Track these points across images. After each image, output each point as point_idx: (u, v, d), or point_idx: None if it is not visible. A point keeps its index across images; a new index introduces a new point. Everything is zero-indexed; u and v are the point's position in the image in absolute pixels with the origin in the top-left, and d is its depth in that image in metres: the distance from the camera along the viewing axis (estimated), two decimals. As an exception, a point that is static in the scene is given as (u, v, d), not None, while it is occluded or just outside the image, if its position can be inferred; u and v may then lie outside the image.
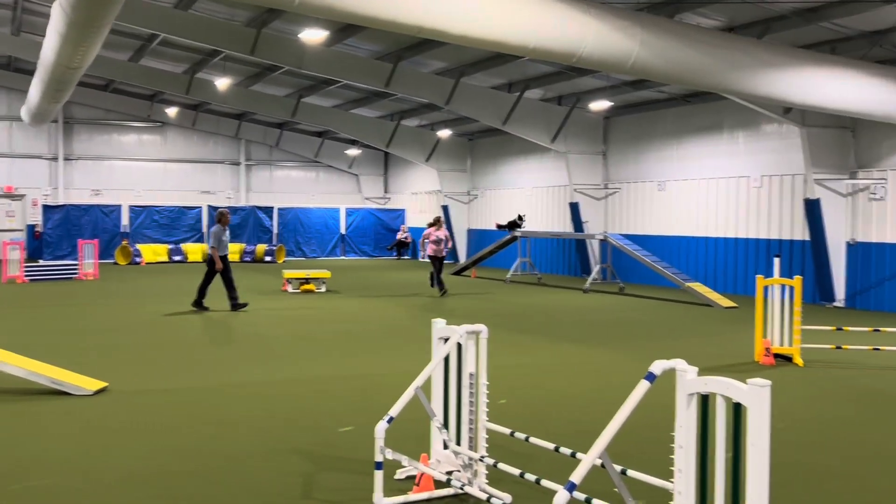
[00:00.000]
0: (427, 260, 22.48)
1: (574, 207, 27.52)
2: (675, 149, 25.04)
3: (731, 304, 19.48)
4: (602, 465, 4.60)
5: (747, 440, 4.28)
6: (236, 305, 17.70)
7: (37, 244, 34.11)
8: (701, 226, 24.02)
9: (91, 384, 9.57)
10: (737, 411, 4.32)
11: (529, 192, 31.81)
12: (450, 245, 22.73)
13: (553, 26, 14.18)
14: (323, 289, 22.24)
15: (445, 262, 22.51)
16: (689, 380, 4.48)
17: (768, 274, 12.69)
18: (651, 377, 4.48)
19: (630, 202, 26.77)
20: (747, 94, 17.08)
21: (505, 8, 13.71)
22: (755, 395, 4.24)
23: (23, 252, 26.35)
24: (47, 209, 35.21)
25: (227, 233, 18.34)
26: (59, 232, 34.70)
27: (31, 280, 25.05)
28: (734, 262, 22.79)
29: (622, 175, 27.07)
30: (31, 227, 35.27)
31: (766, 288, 12.15)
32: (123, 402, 9.06)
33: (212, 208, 38.02)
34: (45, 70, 21.34)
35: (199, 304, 17.80)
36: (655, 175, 25.73)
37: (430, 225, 22.16)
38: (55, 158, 37.54)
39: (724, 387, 4.36)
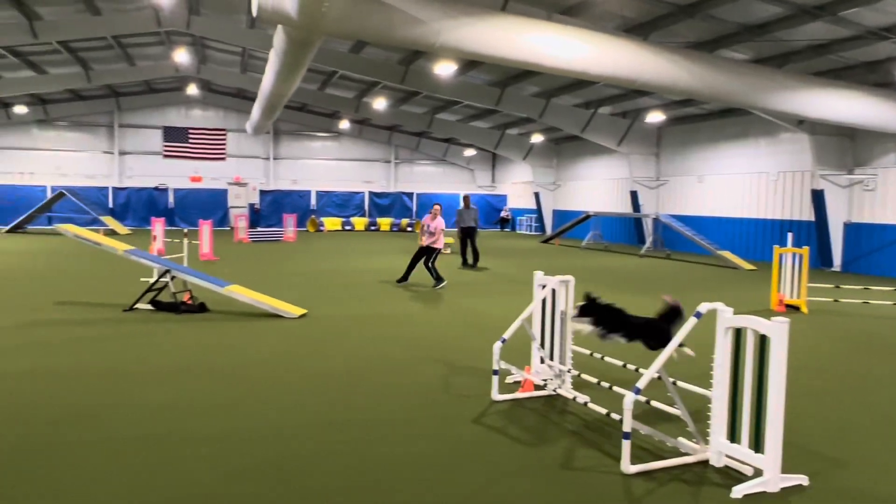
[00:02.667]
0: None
1: (634, 194, 26.84)
2: (711, 151, 24.03)
3: (752, 267, 18.74)
4: (659, 378, 4.59)
5: (769, 363, 4.20)
6: (473, 264, 17.09)
7: (255, 217, 35.54)
8: (731, 209, 23.07)
9: (296, 310, 9.99)
10: (762, 341, 4.24)
11: (599, 183, 31.18)
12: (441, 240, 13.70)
13: (621, 60, 13.83)
14: (449, 251, 22.35)
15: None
16: (727, 317, 4.42)
17: (783, 245, 12.18)
18: (698, 315, 4.43)
19: (676, 191, 25.89)
20: (769, 110, 16.30)
21: (586, 47, 13.45)
22: (778, 329, 4.16)
23: (247, 221, 27.52)
24: (263, 193, 36.76)
25: (473, 210, 17.31)
26: (270, 208, 36.17)
27: (253, 241, 26.16)
28: (755, 237, 21.83)
29: (670, 170, 26.17)
30: (251, 205, 36.74)
31: (781, 255, 11.66)
32: (318, 323, 9.44)
33: (372, 193, 38.89)
34: (263, 97, 22.12)
35: (474, 264, 17.13)
36: (696, 171, 24.76)
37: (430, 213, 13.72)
38: (268, 158, 38.90)
39: (754, 323, 4.29)
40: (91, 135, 36.34)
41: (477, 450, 4.85)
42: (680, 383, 5.06)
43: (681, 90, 14.74)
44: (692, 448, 4.69)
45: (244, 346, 8.07)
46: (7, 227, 29.50)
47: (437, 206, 13.82)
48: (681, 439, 4.79)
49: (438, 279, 13.47)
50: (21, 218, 29.37)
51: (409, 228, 35.93)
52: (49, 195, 31.31)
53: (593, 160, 31.49)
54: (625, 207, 28.40)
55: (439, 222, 13.54)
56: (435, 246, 13.63)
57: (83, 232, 10.60)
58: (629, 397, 4.39)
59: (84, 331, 8.74)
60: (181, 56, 26.95)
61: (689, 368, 6.16)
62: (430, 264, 13.65)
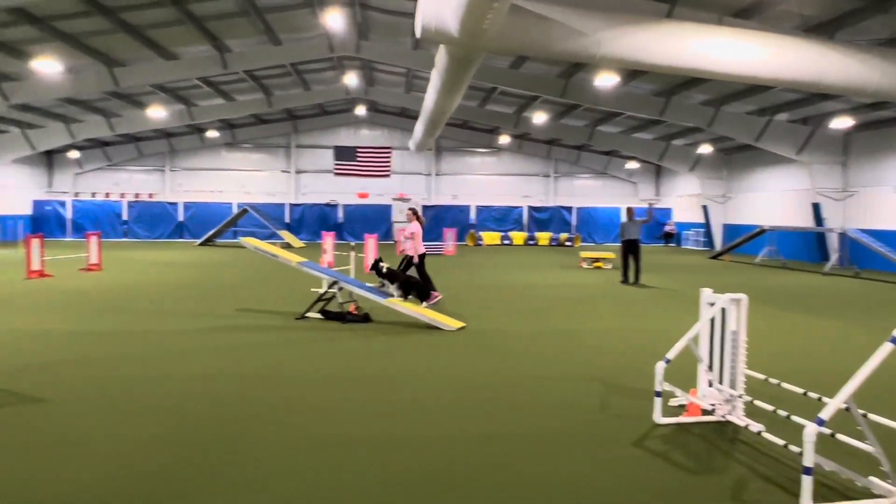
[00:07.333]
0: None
1: (816, 207, 24.70)
2: (909, 158, 21.64)
3: (961, 288, 16.56)
4: (847, 409, 4.14)
5: None
6: (636, 281, 15.86)
7: (417, 231, 36.62)
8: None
9: (455, 323, 10.16)
10: (976, 373, 3.68)
11: (775, 195, 29.02)
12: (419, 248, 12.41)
13: (802, 62, 12.84)
14: (609, 266, 21.82)
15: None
16: (930, 344, 3.90)
17: None
18: (894, 340, 3.95)
19: (866, 202, 23.49)
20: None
21: (761, 50, 12.63)
22: None
23: (409, 236, 28.42)
24: (424, 208, 37.95)
25: (637, 223, 16.32)
26: (431, 223, 37.20)
27: (414, 255, 26.93)
28: (965, 254, 19.32)
29: (860, 180, 23.79)
30: (413, 220, 38.03)
31: None
32: (476, 337, 9.52)
33: (531, 208, 38.89)
34: (426, 115, 22.88)
35: (636, 280, 16.26)
36: (891, 180, 22.38)
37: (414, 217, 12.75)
38: (430, 174, 40.23)
39: (965, 352, 3.74)
40: (271, 155, 39.55)
41: (638, 473, 4.63)
42: (871, 416, 4.53)
43: (873, 92, 13.40)
44: (888, 490, 4.18)
45: (405, 356, 8.31)
46: (199, 241, 32.69)
47: (416, 211, 12.97)
48: (872, 479, 4.28)
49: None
50: (211, 232, 32.45)
51: (569, 243, 35.52)
52: (235, 211, 34.36)
53: (768, 171, 29.43)
54: (805, 221, 26.23)
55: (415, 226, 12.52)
56: (409, 253, 12.58)
57: (262, 244, 11.48)
58: (811, 428, 3.99)
59: (260, 336, 9.43)
60: (351, 79, 28.60)
61: (885, 399, 5.52)
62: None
